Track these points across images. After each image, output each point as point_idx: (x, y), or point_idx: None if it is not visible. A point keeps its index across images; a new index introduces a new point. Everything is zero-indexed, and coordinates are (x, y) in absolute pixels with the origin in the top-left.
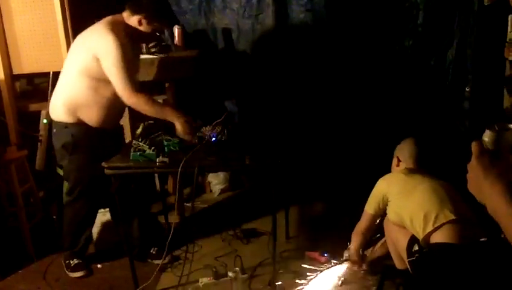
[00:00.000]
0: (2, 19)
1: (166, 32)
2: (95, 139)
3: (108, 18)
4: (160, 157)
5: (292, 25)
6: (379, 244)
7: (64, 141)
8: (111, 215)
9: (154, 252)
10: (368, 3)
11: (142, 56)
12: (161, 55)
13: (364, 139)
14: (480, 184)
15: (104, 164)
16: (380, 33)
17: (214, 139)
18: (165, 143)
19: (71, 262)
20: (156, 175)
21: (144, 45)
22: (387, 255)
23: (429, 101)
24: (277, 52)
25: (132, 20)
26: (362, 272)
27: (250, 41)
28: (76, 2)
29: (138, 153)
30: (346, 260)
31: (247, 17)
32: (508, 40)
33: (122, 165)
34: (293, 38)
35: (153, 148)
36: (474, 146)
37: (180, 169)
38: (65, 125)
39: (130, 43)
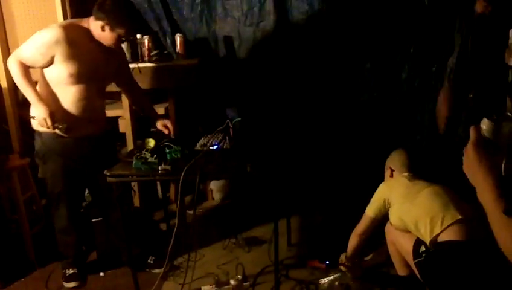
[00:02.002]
0: (4, 28)
1: (168, 40)
2: (67, 148)
3: (68, 20)
4: (162, 165)
5: (293, 33)
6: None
7: (36, 149)
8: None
9: (151, 262)
10: (370, 11)
11: (144, 64)
12: (162, 63)
13: (364, 147)
14: (475, 170)
15: (106, 172)
16: (381, 41)
17: (215, 147)
18: (167, 151)
19: (67, 272)
20: (158, 183)
21: (145, 53)
22: (385, 263)
23: (431, 108)
24: (278, 60)
25: (96, 25)
26: (354, 278)
27: (251, 49)
28: (78, 11)
29: (140, 161)
30: (342, 264)
31: (248, 25)
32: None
33: (125, 173)
34: (294, 46)
35: (155, 156)
36: (472, 132)
37: (181, 177)
38: (38, 133)
39: (85, 43)
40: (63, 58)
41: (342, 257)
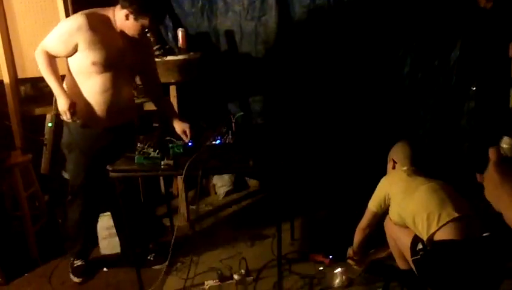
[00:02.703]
0: (6, 23)
1: (170, 35)
2: (93, 139)
3: (91, 9)
4: (165, 160)
5: (295, 27)
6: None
7: (63, 140)
8: (113, 219)
9: (151, 259)
10: (372, 5)
11: None
12: (164, 58)
13: (367, 142)
14: (498, 193)
15: (108, 167)
16: (383, 35)
17: (218, 141)
18: (170, 146)
19: (74, 262)
20: (161, 178)
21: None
22: (388, 257)
23: (434, 102)
24: (280, 54)
25: (120, 14)
26: (362, 271)
27: (253, 43)
28: (80, 5)
29: (143, 156)
30: (348, 258)
31: (249, 19)
32: None
33: (127, 168)
34: (296, 40)
35: (157, 151)
36: (492, 153)
37: (184, 172)
38: (66, 123)
39: (108, 31)
40: (86, 45)
41: (349, 251)
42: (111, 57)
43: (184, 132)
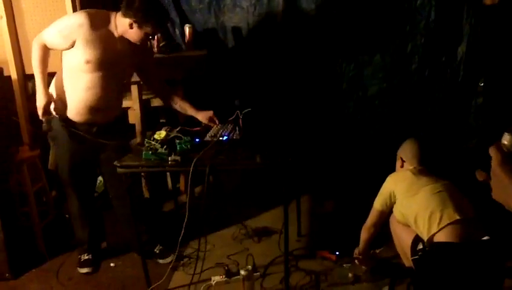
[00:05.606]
0: (14, 19)
1: (177, 31)
2: (73, 133)
3: (95, 9)
4: (172, 156)
5: (303, 23)
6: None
7: (50, 132)
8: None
9: (157, 251)
10: (380, 2)
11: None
12: (171, 54)
13: (375, 138)
14: (508, 193)
15: (116, 163)
16: (392, 32)
17: (225, 138)
18: (177, 142)
19: (81, 257)
20: (168, 174)
21: (154, 44)
22: (395, 256)
23: (442, 99)
24: (287, 51)
25: (123, 22)
26: (367, 270)
27: (260, 39)
28: (87, 2)
29: (150, 152)
30: (355, 258)
31: (257, 16)
32: None
33: (134, 163)
34: (303, 36)
35: (164, 147)
36: (493, 152)
37: (191, 168)
38: (52, 116)
39: (108, 32)
40: (83, 43)
41: (356, 251)
42: (105, 58)
43: (211, 119)
